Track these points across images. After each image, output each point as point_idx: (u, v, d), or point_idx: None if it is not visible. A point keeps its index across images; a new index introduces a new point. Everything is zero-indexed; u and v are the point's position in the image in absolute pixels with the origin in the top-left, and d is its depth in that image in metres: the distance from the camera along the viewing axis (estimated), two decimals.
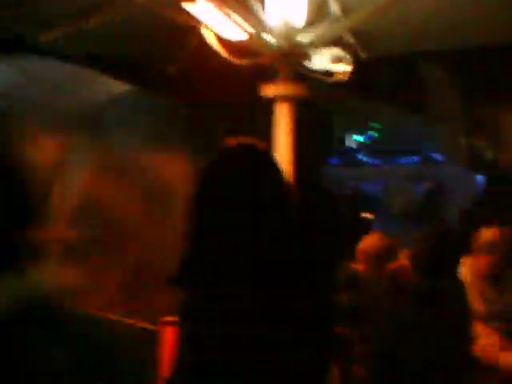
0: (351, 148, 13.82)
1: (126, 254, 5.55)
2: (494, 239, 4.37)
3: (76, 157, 5.65)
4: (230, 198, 2.13)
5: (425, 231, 4.10)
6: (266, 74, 5.15)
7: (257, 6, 4.72)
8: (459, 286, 3.96)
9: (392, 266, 4.58)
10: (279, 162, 2.24)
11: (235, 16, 4.44)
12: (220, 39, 4.67)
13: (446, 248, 3.88)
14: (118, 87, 6.44)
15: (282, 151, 4.87)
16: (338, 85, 5.41)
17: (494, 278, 4.42)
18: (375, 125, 13.08)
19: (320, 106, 8.85)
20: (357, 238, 4.93)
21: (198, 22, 4.67)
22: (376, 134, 13.29)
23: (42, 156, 5.41)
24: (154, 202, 5.95)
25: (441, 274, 3.81)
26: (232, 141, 2.25)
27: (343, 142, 13.76)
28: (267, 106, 5.04)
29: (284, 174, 2.21)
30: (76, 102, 5.88)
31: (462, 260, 4.45)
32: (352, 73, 5.12)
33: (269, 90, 4.95)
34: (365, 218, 11.79)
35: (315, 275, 2.18)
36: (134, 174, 5.95)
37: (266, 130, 5.00)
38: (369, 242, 4.76)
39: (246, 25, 4.48)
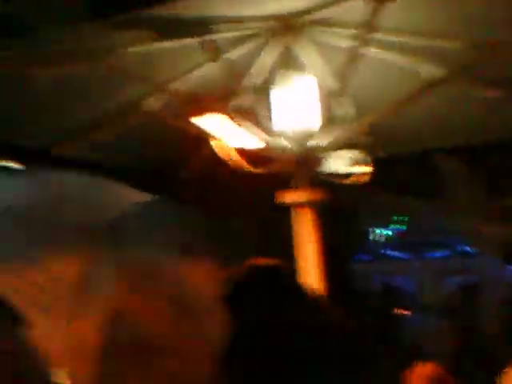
0: (378, 242, 13.63)
1: (164, 373, 5.34)
2: None
3: (102, 271, 5.53)
4: (258, 325, 2.06)
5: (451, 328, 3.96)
6: (283, 179, 5.06)
7: (267, 113, 4.67)
8: None
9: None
10: (305, 285, 2.20)
11: (247, 125, 4.38)
12: (235, 149, 4.61)
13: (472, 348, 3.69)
14: (142, 197, 6.35)
15: (307, 260, 4.69)
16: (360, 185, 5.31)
17: None
18: (401, 218, 12.92)
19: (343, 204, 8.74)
20: (390, 335, 4.77)
21: (208, 134, 4.63)
22: (403, 227, 13.11)
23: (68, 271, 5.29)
24: (184, 315, 5.77)
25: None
26: (254, 262, 2.19)
27: (370, 236, 13.59)
28: (287, 212, 4.91)
29: (312, 296, 2.18)
30: (99, 215, 5.80)
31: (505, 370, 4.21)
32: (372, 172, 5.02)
33: (287, 197, 4.82)
34: (398, 314, 11.51)
35: None
36: (162, 287, 5.79)
37: (288, 236, 4.88)
38: (423, 372, 4.59)
39: (259, 132, 4.42)
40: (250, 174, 4.82)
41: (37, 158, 5.35)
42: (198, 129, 4.57)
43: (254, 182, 5.05)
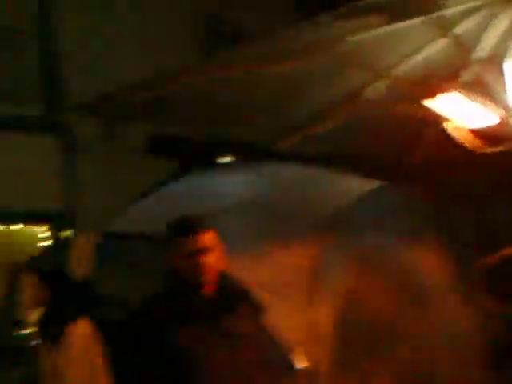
0: None
1: (396, 359, 5.24)
2: None
3: (332, 258, 5.49)
4: None
5: None
6: None
7: (498, 88, 4.38)
8: None
9: None
10: None
11: (481, 101, 4.13)
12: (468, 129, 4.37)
13: None
14: (365, 185, 6.24)
15: None
16: None
17: None
18: None
19: None
20: None
21: (438, 115, 4.42)
22: None
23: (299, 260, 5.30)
24: (414, 303, 5.61)
25: None
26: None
27: None
28: None
29: None
30: (324, 205, 5.77)
31: None
32: None
33: None
34: None
35: None
36: (392, 274, 5.66)
37: None
38: None
39: (494, 108, 4.14)
40: (484, 154, 4.56)
41: (255, 153, 5.41)
42: (423, 113, 4.38)
43: (489, 164, 4.78)
